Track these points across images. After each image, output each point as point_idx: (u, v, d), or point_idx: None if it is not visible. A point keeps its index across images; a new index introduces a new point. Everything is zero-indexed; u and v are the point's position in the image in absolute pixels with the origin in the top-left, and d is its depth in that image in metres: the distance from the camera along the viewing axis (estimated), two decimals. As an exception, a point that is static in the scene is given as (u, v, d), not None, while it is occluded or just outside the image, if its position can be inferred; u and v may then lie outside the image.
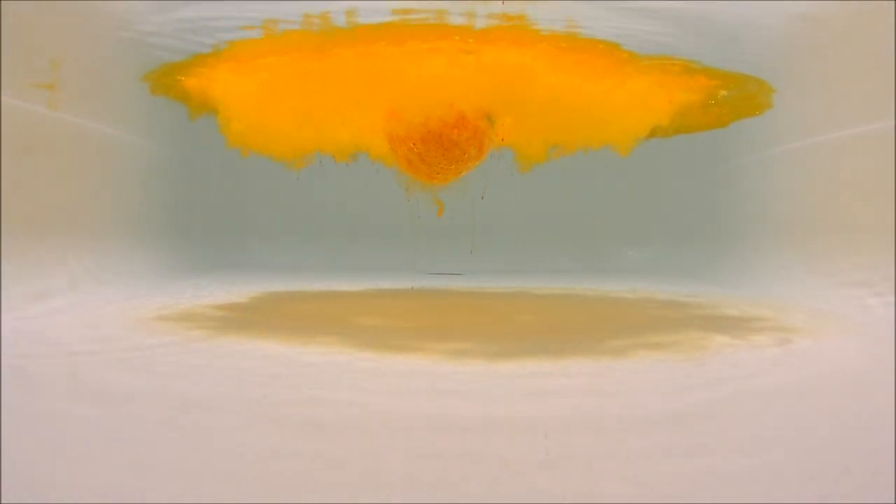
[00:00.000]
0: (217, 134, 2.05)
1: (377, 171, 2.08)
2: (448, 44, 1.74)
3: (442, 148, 1.76)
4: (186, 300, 1.95)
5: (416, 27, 1.70)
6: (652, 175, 3.18)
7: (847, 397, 0.93)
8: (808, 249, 2.32)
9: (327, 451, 0.69)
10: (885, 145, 1.87)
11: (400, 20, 1.69)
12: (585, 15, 1.72)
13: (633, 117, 1.99)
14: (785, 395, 0.93)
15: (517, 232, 3.38)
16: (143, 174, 2.57)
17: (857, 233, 2.05)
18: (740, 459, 0.67)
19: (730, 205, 2.98)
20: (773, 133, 2.44)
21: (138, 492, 0.59)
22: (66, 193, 2.06)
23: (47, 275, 1.89)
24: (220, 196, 3.32)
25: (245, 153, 2.11)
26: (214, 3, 1.77)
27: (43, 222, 1.93)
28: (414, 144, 1.76)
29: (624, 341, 1.35)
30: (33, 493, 0.58)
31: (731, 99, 2.10)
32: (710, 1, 1.83)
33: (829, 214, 2.22)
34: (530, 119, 1.91)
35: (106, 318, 1.56)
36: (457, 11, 1.67)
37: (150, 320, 1.54)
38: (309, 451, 0.70)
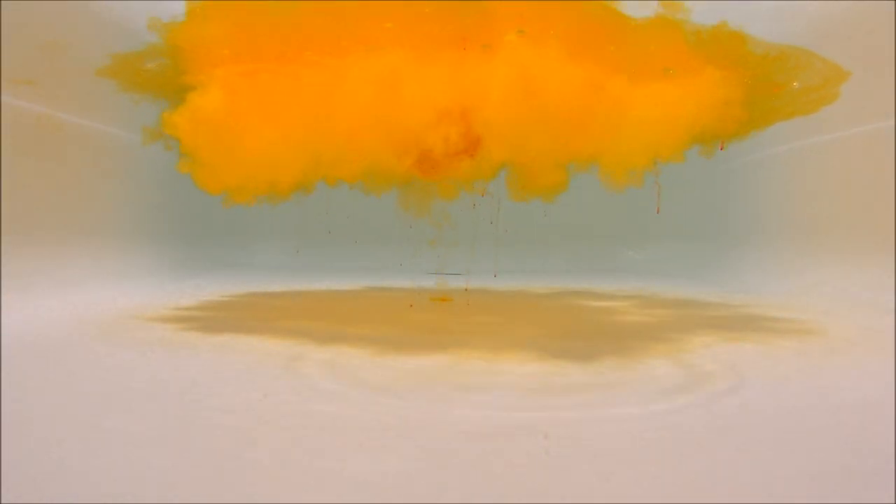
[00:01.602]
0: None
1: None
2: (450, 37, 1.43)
3: (438, 160, 1.62)
4: (186, 300, 1.96)
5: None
6: (652, 175, 3.17)
7: (847, 396, 0.93)
8: (807, 249, 2.32)
9: (326, 453, 0.69)
10: (886, 145, 1.87)
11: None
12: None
13: (676, 121, 1.55)
14: (785, 394, 0.92)
15: (517, 232, 3.38)
16: (143, 174, 2.57)
17: (857, 232, 2.05)
18: (740, 459, 0.67)
19: (730, 205, 2.98)
20: (774, 133, 2.44)
21: (138, 492, 0.59)
22: (66, 193, 2.06)
23: (46, 274, 1.89)
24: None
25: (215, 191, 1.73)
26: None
27: (42, 222, 1.93)
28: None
29: (623, 341, 1.35)
30: (33, 493, 0.58)
31: (801, 91, 1.63)
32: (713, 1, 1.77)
33: (829, 214, 2.22)
34: (540, 131, 1.51)
35: (105, 317, 1.56)
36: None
37: (150, 320, 1.54)
38: (308, 452, 0.70)
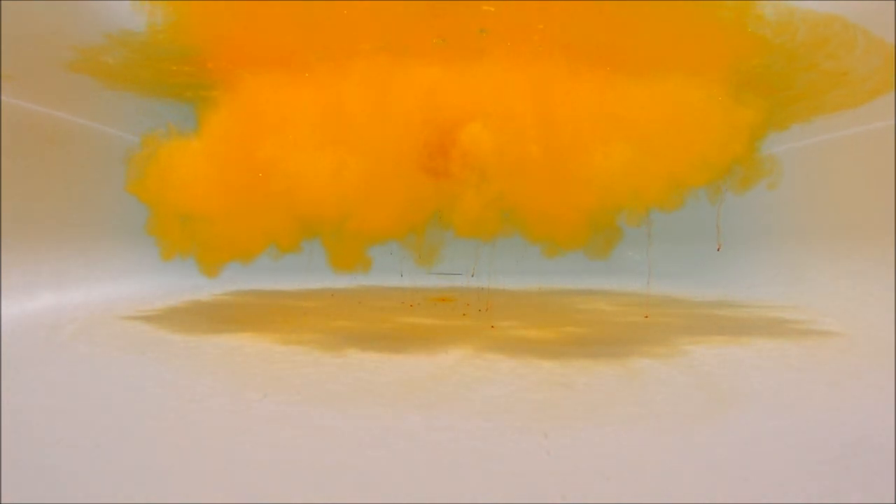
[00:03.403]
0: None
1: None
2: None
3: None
4: (186, 300, 1.96)
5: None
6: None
7: (847, 397, 0.93)
8: (807, 249, 2.32)
9: (326, 453, 0.70)
10: (885, 145, 1.87)
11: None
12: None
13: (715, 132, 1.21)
14: (785, 395, 0.93)
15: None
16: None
17: (857, 232, 2.05)
18: (739, 459, 0.67)
19: (730, 205, 2.97)
20: (774, 133, 2.44)
21: (137, 492, 0.59)
22: (65, 193, 2.06)
23: (46, 274, 1.89)
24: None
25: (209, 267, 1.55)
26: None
27: (41, 222, 1.93)
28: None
29: (624, 342, 1.35)
30: (33, 493, 0.58)
31: (857, 79, 1.26)
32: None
33: (829, 214, 2.22)
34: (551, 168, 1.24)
35: (104, 317, 1.56)
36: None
37: (148, 319, 1.54)
38: (308, 452, 0.70)
